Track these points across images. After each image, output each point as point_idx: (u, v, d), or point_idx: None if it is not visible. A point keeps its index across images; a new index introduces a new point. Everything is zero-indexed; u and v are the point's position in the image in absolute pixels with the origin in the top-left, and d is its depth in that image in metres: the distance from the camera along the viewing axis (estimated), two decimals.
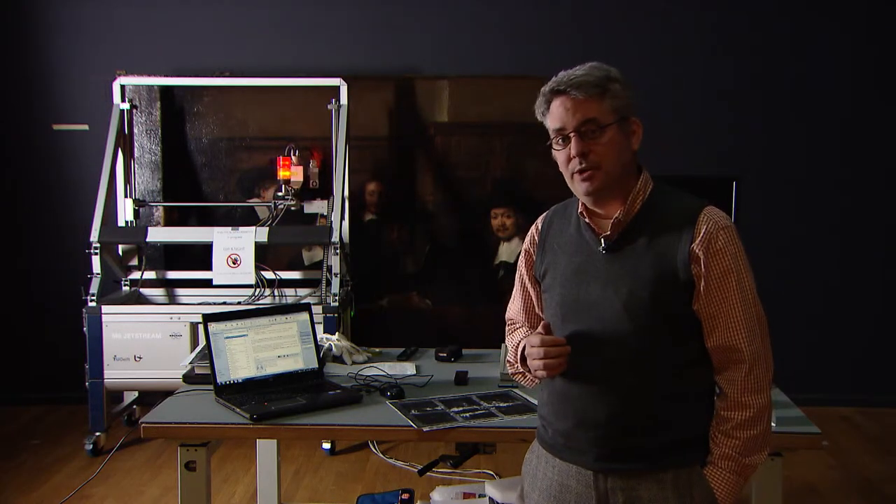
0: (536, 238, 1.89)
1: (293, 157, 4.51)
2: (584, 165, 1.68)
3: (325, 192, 4.57)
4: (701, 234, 1.65)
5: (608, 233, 1.71)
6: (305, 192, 4.58)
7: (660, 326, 1.66)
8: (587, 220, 1.75)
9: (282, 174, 4.47)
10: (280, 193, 4.46)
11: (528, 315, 1.94)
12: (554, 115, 1.70)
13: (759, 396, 1.67)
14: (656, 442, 1.68)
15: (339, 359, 2.86)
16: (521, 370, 1.87)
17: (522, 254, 1.93)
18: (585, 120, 1.67)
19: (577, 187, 1.72)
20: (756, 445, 1.68)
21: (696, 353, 1.70)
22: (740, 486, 1.70)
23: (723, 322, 1.66)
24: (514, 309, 2.00)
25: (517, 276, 1.96)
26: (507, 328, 2.04)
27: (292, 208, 4.47)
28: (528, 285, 1.92)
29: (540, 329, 1.75)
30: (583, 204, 1.77)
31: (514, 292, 1.99)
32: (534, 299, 1.92)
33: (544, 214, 1.92)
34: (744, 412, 1.67)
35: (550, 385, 1.79)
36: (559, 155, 1.72)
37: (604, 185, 1.69)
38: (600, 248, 1.72)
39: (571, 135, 1.68)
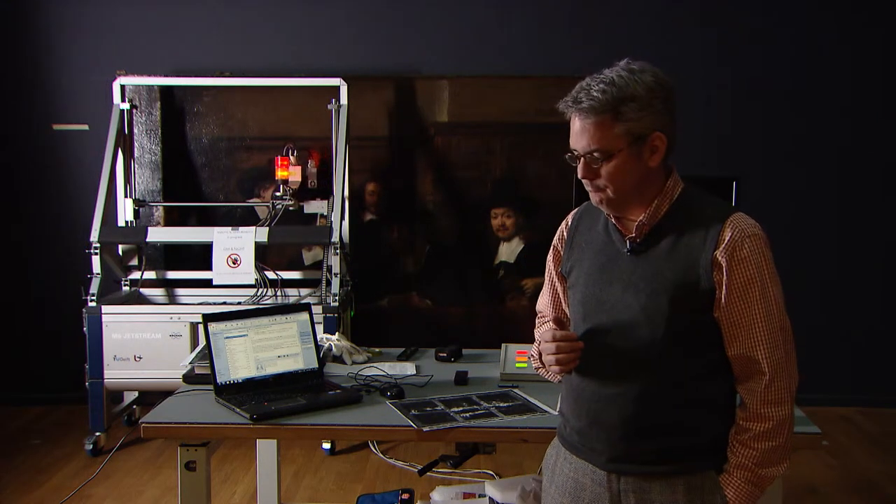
0: (565, 234, 1.89)
1: (291, 157, 4.50)
2: (590, 188, 1.69)
3: (325, 192, 4.56)
4: (725, 242, 1.62)
5: (633, 234, 1.70)
6: (304, 193, 4.57)
7: (678, 332, 1.65)
8: (614, 220, 1.74)
9: (280, 174, 4.47)
10: (278, 193, 4.46)
11: (556, 309, 1.95)
12: (571, 130, 1.68)
13: (779, 408, 1.65)
14: (670, 446, 1.68)
15: (339, 359, 2.85)
16: (542, 365, 1.88)
17: (551, 249, 1.93)
18: (591, 150, 1.64)
19: (592, 200, 1.73)
20: (774, 457, 1.66)
21: (715, 360, 1.68)
22: (755, 496, 1.68)
23: (744, 332, 1.64)
24: (542, 302, 2.01)
25: (546, 270, 1.96)
26: (536, 320, 2.05)
27: (290, 208, 4.47)
28: (556, 280, 1.92)
29: (552, 323, 1.75)
30: None
31: (543, 286, 2.00)
32: (560, 294, 1.92)
33: (575, 210, 1.91)
34: (763, 424, 1.65)
35: (569, 382, 1.79)
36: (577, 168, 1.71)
37: (613, 203, 1.69)
38: (625, 250, 1.71)
39: (579, 158, 1.67)
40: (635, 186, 1.68)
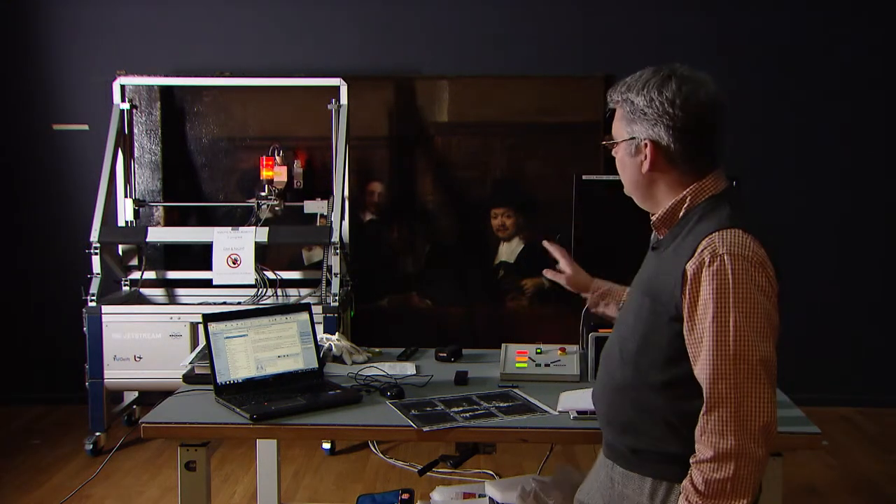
0: None
1: (277, 158, 4.51)
2: None
3: (317, 192, 4.57)
4: (696, 254, 1.57)
5: (653, 231, 1.79)
6: (295, 193, 4.58)
7: (651, 338, 1.67)
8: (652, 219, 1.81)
9: (265, 174, 4.48)
10: (263, 193, 4.47)
11: None
12: None
13: (719, 440, 1.52)
14: (638, 447, 1.73)
15: (339, 359, 2.85)
16: None
17: None
18: (610, 133, 1.79)
19: None
20: (724, 491, 1.51)
21: (683, 374, 1.62)
22: None
23: (695, 352, 1.58)
24: None
25: None
26: None
27: (276, 208, 4.47)
28: None
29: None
30: None
31: None
32: None
33: None
34: (703, 451, 1.55)
35: None
36: None
37: (626, 190, 1.80)
38: (651, 247, 1.81)
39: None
40: (632, 183, 1.76)
